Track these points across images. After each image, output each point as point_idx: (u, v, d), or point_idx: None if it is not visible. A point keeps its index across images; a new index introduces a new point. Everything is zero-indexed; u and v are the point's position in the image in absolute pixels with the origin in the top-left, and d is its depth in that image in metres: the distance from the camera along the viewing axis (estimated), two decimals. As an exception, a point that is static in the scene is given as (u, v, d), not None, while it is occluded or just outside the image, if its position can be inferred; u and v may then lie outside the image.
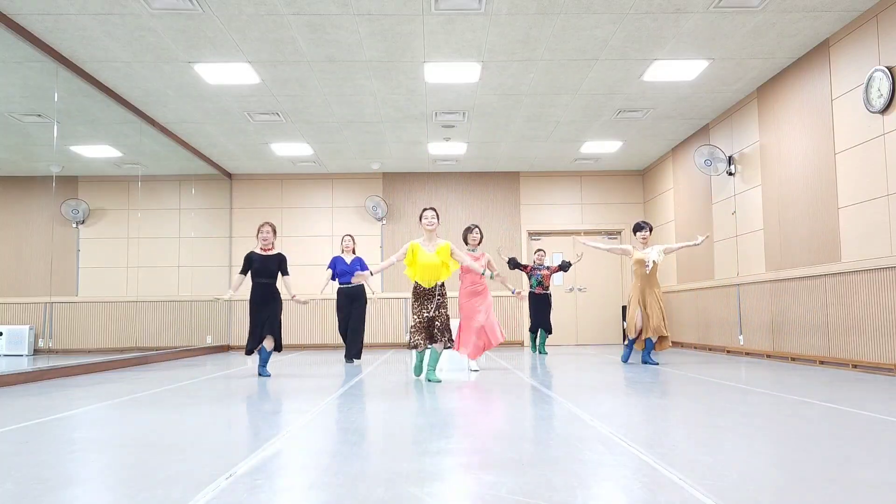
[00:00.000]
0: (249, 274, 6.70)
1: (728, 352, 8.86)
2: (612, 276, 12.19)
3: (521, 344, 11.85)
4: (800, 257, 7.06)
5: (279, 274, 6.71)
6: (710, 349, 9.43)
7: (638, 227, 7.42)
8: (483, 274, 6.42)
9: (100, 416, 3.94)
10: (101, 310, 9.90)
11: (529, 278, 9.55)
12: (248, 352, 6.75)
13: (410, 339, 5.78)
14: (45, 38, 6.30)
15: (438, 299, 5.73)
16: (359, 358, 8.25)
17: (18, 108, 7.84)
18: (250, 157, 10.98)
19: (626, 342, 7.49)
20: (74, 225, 10.11)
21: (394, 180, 12.19)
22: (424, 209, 5.90)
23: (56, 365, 6.82)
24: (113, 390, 5.34)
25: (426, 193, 12.14)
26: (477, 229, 7.07)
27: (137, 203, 9.30)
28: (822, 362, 6.69)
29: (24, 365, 7.40)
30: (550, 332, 9.55)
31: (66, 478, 2.40)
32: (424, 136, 9.86)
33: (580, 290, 12.14)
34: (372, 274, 5.80)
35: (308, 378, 6.26)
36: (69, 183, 10.20)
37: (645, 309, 7.14)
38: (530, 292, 9.51)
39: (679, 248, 7.73)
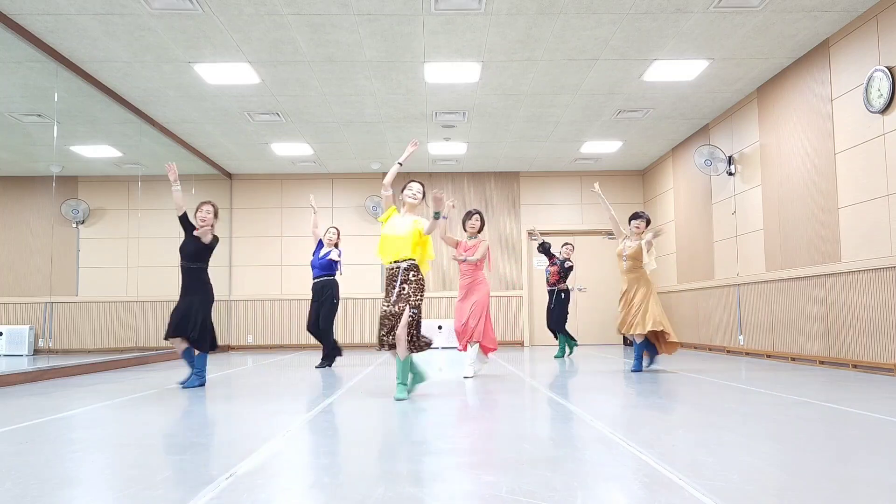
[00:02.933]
0: (180, 257, 5.57)
1: (728, 352, 8.86)
2: (613, 276, 12.18)
3: (521, 344, 11.85)
4: (800, 257, 7.06)
5: (209, 258, 5.65)
6: (710, 349, 9.42)
7: (634, 216, 6.52)
8: (436, 216, 4.82)
9: (100, 416, 3.94)
10: (101, 310, 9.90)
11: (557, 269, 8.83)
12: (166, 336, 5.49)
13: (379, 338, 4.57)
14: (45, 38, 6.30)
15: (402, 286, 4.54)
16: (330, 363, 7.51)
17: (18, 108, 7.83)
18: (250, 157, 10.98)
19: (635, 351, 6.56)
20: (74, 225, 10.11)
21: (394, 180, 12.16)
22: (412, 181, 4.91)
23: (56, 365, 6.82)
24: (113, 390, 5.34)
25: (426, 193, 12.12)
26: (477, 215, 6.28)
27: (137, 203, 9.30)
28: (822, 362, 6.69)
29: (24, 365, 7.40)
30: (557, 334, 8.83)
31: (66, 478, 2.40)
32: (424, 136, 9.86)
33: (580, 289, 12.12)
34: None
35: (307, 378, 6.25)
36: (69, 183, 10.20)
37: (630, 307, 6.31)
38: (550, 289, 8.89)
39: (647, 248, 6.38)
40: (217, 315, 11.39)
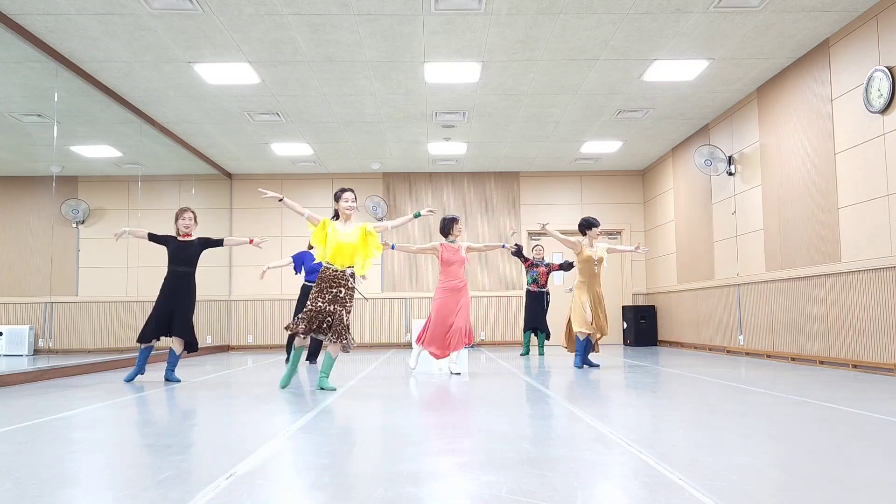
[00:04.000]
0: (167, 261, 5.94)
1: (728, 352, 8.86)
2: (612, 276, 12.19)
3: (521, 344, 11.84)
4: (800, 257, 7.06)
5: (200, 257, 6.04)
6: (710, 349, 9.42)
7: (592, 224, 6.89)
8: (416, 216, 5.78)
9: (100, 416, 3.94)
10: (101, 310, 9.90)
11: (526, 274, 9.30)
12: (141, 339, 5.84)
13: (294, 323, 4.94)
14: (45, 38, 6.30)
15: (341, 291, 4.99)
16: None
17: (18, 108, 7.83)
18: (250, 157, 10.98)
19: (576, 346, 6.86)
20: (74, 225, 10.11)
21: (394, 180, 12.19)
22: (343, 190, 5.17)
23: (56, 365, 6.82)
24: (113, 390, 5.34)
25: (426, 193, 12.15)
26: (460, 219, 6.67)
27: (137, 203, 9.30)
28: (821, 362, 6.69)
29: (24, 365, 7.40)
30: (548, 336, 9.17)
31: (66, 478, 2.40)
32: (424, 136, 9.86)
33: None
34: (281, 200, 5.03)
35: (307, 378, 6.25)
36: (69, 183, 10.19)
37: (591, 309, 6.75)
38: (526, 290, 9.29)
39: (621, 251, 7.28)
40: (217, 315, 11.40)
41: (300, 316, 4.97)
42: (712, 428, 3.24)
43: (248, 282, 11.96)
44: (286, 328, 5.08)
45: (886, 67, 5.64)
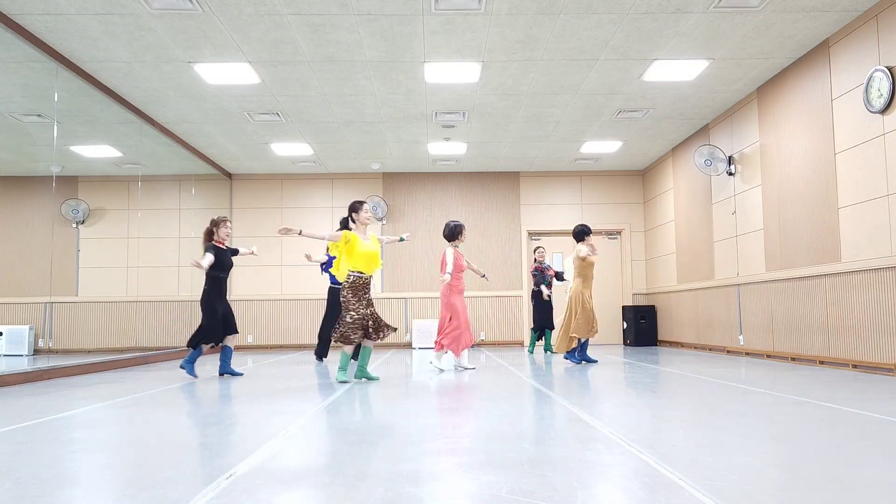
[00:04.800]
0: (213, 267, 6.34)
1: (728, 352, 8.86)
2: (612, 277, 12.19)
3: (521, 344, 11.85)
4: (800, 257, 7.06)
5: (233, 259, 6.68)
6: (710, 349, 9.43)
7: (589, 231, 7.48)
8: (401, 240, 6.53)
9: (100, 416, 3.94)
10: (101, 310, 9.90)
11: (543, 279, 9.52)
12: (213, 340, 6.28)
13: (344, 334, 5.49)
14: (45, 38, 6.30)
15: (369, 294, 5.70)
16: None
17: (18, 108, 7.83)
18: (250, 157, 10.98)
19: (578, 344, 7.53)
20: (74, 225, 10.11)
21: (394, 180, 12.19)
22: (362, 202, 5.80)
23: (56, 365, 6.82)
24: (113, 390, 5.34)
25: (426, 193, 12.15)
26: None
27: (137, 203, 9.30)
28: (821, 362, 6.69)
29: (24, 365, 7.40)
30: (547, 330, 9.66)
31: (66, 478, 2.40)
32: (424, 136, 9.86)
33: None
34: (300, 233, 5.54)
35: (307, 378, 6.25)
36: (69, 183, 10.19)
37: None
38: (538, 291, 9.50)
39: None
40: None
41: (348, 328, 5.49)
42: (712, 428, 3.24)
43: (248, 282, 11.97)
44: (337, 340, 5.56)
45: (886, 67, 5.64)
